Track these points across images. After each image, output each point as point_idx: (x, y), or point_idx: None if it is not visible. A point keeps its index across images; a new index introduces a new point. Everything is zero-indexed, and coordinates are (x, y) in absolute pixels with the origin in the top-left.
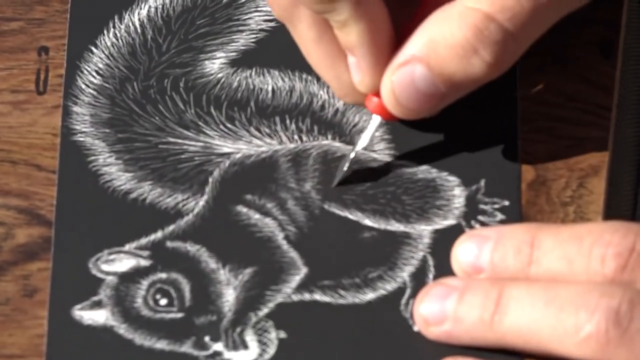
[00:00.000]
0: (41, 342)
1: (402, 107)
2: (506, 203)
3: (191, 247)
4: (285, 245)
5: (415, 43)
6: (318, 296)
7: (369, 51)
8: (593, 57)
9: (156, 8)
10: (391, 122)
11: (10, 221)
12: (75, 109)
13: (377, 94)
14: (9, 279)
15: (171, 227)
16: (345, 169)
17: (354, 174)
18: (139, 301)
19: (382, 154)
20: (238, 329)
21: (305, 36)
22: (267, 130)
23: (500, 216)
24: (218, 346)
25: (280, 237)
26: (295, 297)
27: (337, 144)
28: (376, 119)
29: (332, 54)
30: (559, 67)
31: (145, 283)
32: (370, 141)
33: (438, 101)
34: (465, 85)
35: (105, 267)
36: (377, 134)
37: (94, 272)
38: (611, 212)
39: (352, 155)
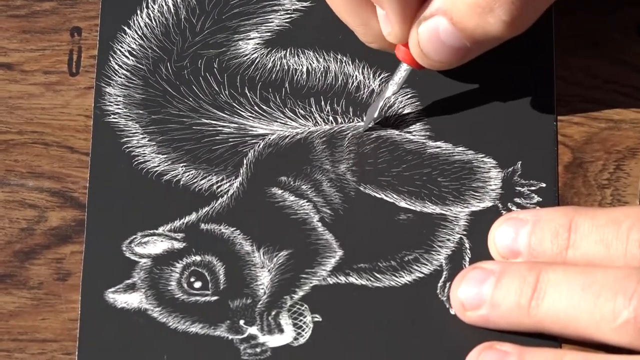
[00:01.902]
0: (74, 326)
1: (428, 59)
2: (543, 185)
3: (225, 230)
4: (320, 228)
5: None
6: (354, 279)
7: (397, 4)
8: (629, 38)
9: None
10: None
11: (43, 204)
12: (109, 89)
13: (405, 43)
14: (42, 262)
15: (205, 209)
16: (375, 115)
17: (390, 155)
18: (173, 284)
19: (418, 135)
20: (273, 313)
21: None
22: (302, 112)
23: (536, 198)
24: (253, 330)
25: (315, 219)
26: (331, 280)
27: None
28: (404, 66)
29: (360, 2)
30: (595, 49)
31: (179, 266)
32: (398, 89)
33: (464, 55)
34: (486, 41)
35: (138, 249)
36: (412, 114)
37: (128, 254)
38: None
39: (381, 103)
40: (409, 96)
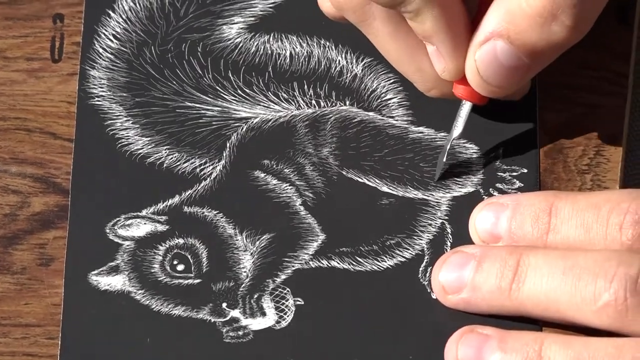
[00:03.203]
0: (58, 311)
1: (489, 86)
2: (524, 171)
3: (208, 213)
4: (302, 211)
5: (492, 19)
6: (336, 263)
7: (447, 36)
8: (609, 23)
9: None
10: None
11: (26, 190)
12: (93, 72)
13: (462, 80)
14: (25, 247)
15: (188, 192)
16: (444, 160)
17: (372, 139)
18: (156, 267)
19: (401, 120)
20: (255, 296)
21: (381, 33)
22: (285, 96)
23: (518, 184)
24: (235, 313)
25: (297, 202)
26: (313, 264)
27: (355, 109)
28: (467, 105)
29: (411, 47)
30: None
31: (162, 248)
32: (462, 129)
33: (524, 74)
34: (548, 53)
35: (122, 232)
36: (395, 99)
37: (111, 237)
38: (628, 180)
39: (448, 146)
40: (391, 81)
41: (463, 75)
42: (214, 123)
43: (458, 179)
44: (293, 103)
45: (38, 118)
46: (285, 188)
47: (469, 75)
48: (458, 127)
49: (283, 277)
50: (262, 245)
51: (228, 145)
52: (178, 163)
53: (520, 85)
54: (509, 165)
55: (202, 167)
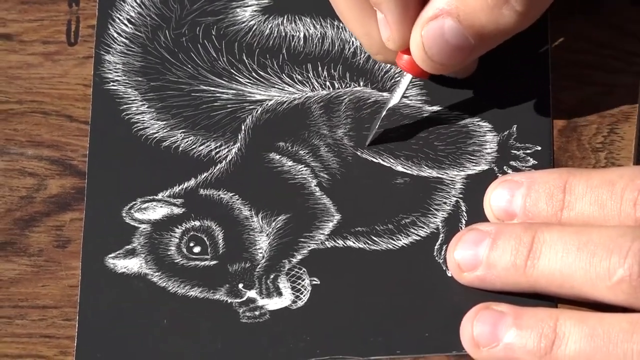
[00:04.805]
0: (74, 292)
1: (432, 62)
2: (538, 148)
3: (224, 195)
4: (318, 192)
5: None
6: (351, 242)
7: (395, 5)
8: (622, 3)
9: None
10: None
11: (43, 172)
12: (108, 57)
13: (406, 51)
14: (42, 229)
15: (204, 175)
16: (376, 128)
17: (387, 119)
18: (173, 249)
19: (415, 99)
20: (271, 276)
21: None
22: (299, 77)
23: (532, 161)
24: (252, 293)
25: (313, 183)
26: (329, 244)
27: (369, 90)
28: (407, 77)
29: (363, 10)
30: (589, 14)
31: (178, 231)
32: (400, 99)
33: (468, 54)
34: (496, 36)
35: (138, 215)
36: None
37: (128, 220)
38: None
39: (384, 113)
40: None
41: (407, 46)
42: (229, 106)
43: (472, 157)
44: (307, 85)
45: (54, 101)
46: (301, 169)
47: (413, 49)
48: (395, 97)
49: (299, 257)
50: (278, 226)
51: (243, 127)
52: (193, 146)
53: (462, 65)
54: (523, 142)
55: (218, 149)
